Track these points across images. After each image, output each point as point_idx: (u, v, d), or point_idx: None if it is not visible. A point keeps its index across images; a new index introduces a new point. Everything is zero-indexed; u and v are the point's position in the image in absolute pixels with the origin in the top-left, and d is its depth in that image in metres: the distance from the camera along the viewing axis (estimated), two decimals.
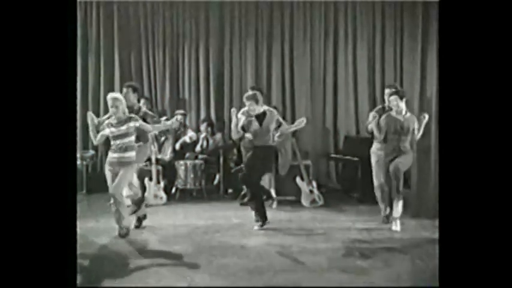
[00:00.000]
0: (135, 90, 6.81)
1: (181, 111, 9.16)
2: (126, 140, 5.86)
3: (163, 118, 8.77)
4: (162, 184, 8.12)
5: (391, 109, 6.43)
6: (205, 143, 8.98)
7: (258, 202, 6.43)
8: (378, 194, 6.72)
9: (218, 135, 9.08)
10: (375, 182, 6.71)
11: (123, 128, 5.84)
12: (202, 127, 9.10)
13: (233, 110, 6.41)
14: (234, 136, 6.60)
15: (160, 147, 8.66)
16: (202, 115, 9.64)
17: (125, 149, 5.84)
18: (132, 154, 5.91)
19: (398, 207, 6.27)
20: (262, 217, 6.39)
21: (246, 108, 6.36)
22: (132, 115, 5.97)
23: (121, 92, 6.79)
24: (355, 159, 8.29)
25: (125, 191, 6.19)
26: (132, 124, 5.87)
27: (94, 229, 6.24)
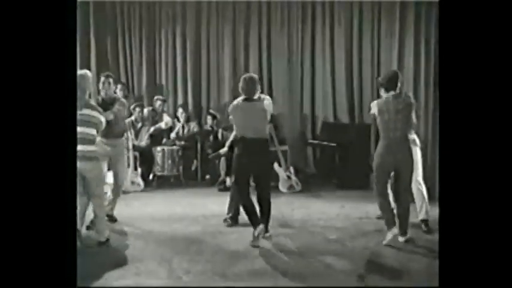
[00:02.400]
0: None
1: (161, 97, 9.13)
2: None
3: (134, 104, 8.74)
4: (139, 171, 8.09)
5: None
6: (181, 131, 8.96)
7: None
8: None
9: (193, 123, 9.08)
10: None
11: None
12: (179, 113, 9.10)
13: None
14: None
15: (137, 133, 8.61)
16: (180, 101, 9.61)
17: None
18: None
19: None
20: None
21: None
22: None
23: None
24: (333, 144, 8.34)
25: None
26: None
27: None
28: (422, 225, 5.69)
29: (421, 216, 5.74)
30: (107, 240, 5.20)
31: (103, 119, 5.21)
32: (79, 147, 4.70)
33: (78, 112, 4.80)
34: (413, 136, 5.60)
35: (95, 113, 5.11)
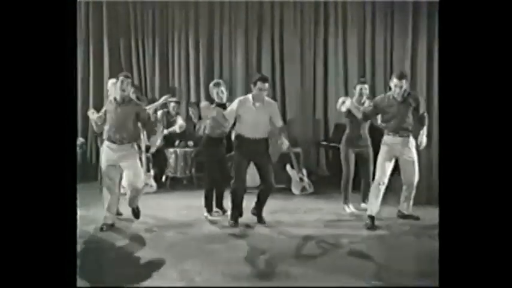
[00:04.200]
0: None
1: (175, 99, 9.12)
2: None
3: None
4: (152, 172, 8.11)
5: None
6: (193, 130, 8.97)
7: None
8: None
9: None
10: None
11: None
12: (190, 111, 9.12)
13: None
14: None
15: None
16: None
17: None
18: None
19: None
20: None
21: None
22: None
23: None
24: None
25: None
26: None
27: (85, 218, 6.20)
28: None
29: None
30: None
31: None
32: None
33: None
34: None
35: None
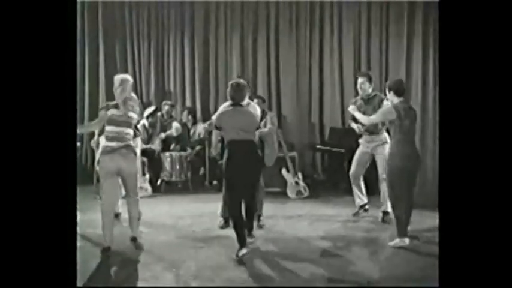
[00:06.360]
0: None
1: (169, 102, 9.12)
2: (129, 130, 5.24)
3: (152, 108, 8.79)
4: (147, 176, 8.09)
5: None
6: (187, 135, 8.97)
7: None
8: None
9: (200, 126, 9.08)
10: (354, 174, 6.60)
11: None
12: (184, 116, 9.13)
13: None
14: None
15: (150, 138, 8.63)
16: (188, 105, 9.60)
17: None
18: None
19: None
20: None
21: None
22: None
23: None
24: (341, 150, 8.30)
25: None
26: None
27: (81, 222, 6.17)
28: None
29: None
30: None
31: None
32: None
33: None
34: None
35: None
